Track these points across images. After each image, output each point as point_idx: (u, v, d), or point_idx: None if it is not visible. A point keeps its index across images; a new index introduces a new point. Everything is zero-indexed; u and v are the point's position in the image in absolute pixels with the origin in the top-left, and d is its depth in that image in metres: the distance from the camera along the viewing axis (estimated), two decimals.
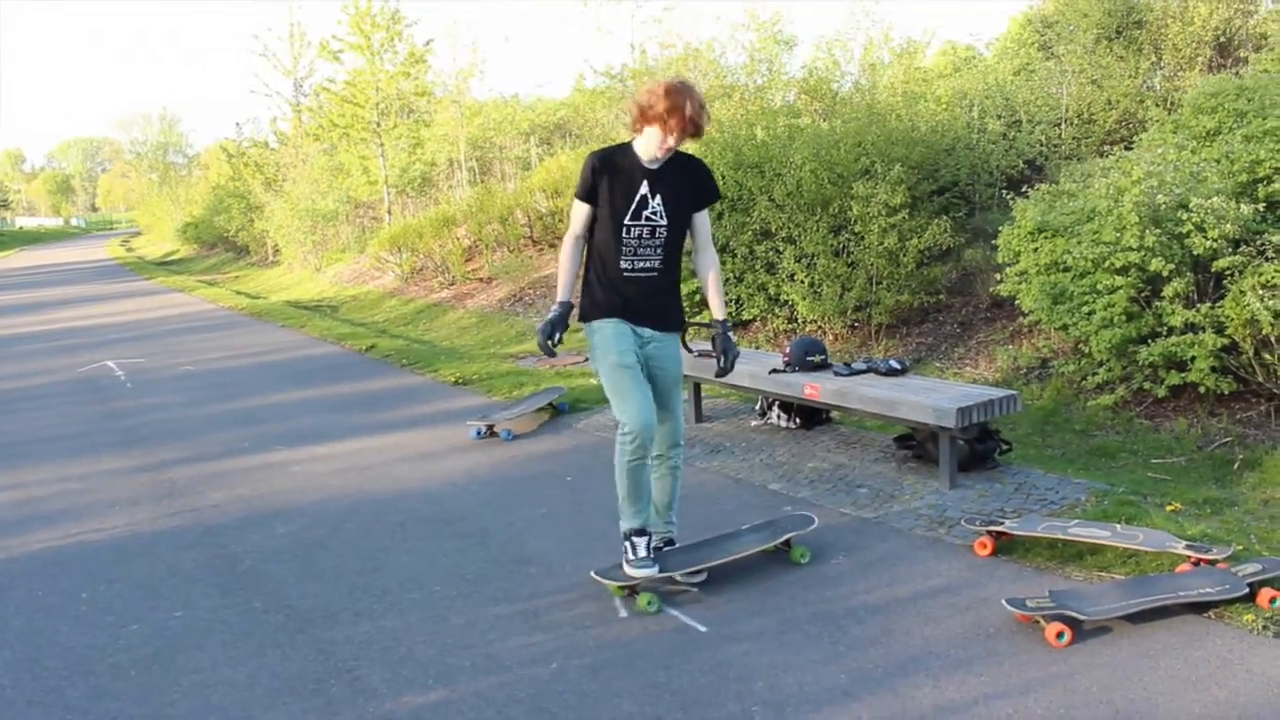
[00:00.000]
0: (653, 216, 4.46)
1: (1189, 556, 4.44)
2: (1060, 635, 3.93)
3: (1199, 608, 4.11)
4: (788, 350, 6.75)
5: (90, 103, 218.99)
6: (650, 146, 4.37)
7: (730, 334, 4.74)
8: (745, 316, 10.43)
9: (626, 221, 4.43)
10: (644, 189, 4.44)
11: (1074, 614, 3.97)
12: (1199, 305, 6.34)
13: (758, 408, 7.53)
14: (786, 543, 4.93)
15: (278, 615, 4.71)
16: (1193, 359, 6.30)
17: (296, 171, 27.49)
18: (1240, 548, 4.61)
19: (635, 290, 4.54)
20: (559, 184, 17.23)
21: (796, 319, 9.92)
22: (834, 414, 7.24)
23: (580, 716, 3.65)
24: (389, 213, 23.07)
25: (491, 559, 4.90)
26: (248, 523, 6.04)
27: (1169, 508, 5.25)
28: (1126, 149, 8.19)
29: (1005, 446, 6.17)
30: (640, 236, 4.46)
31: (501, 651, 4.16)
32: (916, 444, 6.27)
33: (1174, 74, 10.89)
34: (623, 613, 4.47)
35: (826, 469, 6.28)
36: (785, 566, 4.84)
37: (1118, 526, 4.81)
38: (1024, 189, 8.29)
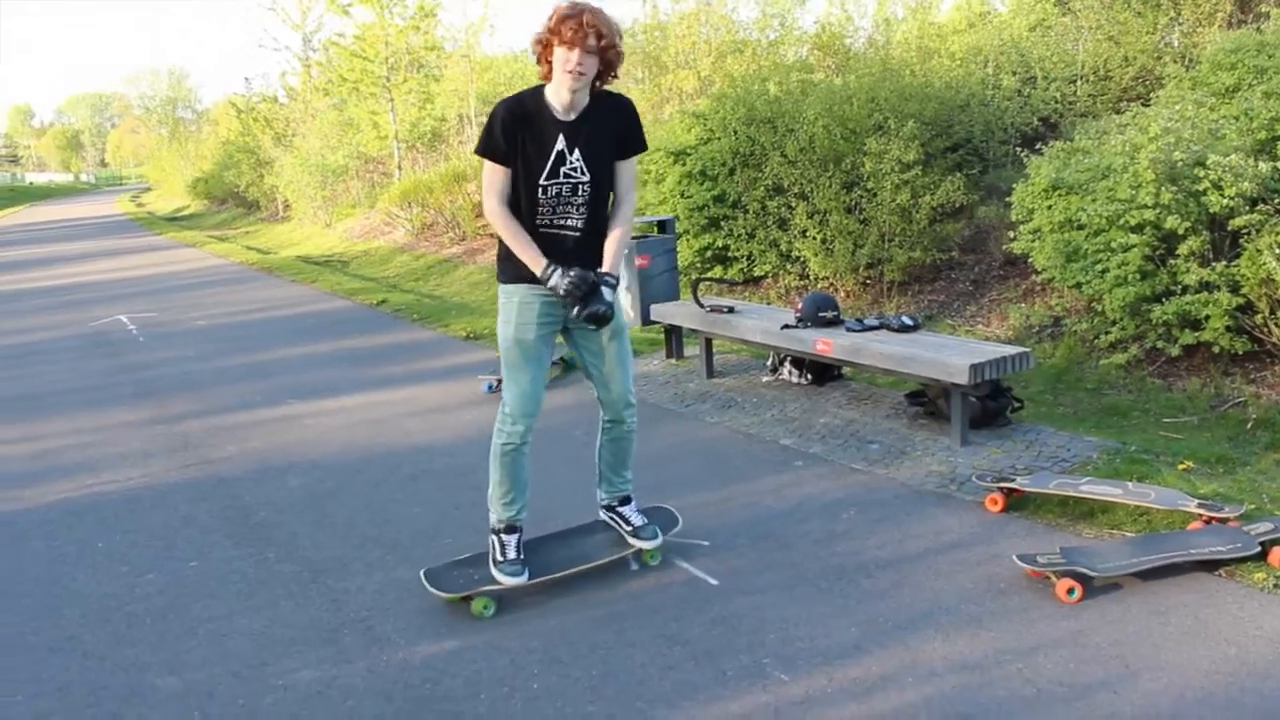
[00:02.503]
0: (571, 173, 3.97)
1: (1201, 515, 4.44)
2: (1071, 591, 3.94)
3: (1210, 566, 4.11)
4: (800, 306, 6.73)
5: (99, 58, 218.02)
6: (560, 88, 3.85)
7: (609, 290, 4.04)
8: (757, 273, 10.41)
9: (542, 181, 3.94)
10: (560, 144, 3.93)
11: (1085, 570, 3.97)
12: (1214, 264, 6.30)
13: (769, 363, 7.52)
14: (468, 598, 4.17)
15: (291, 566, 4.74)
16: (1207, 318, 6.27)
17: (306, 127, 27.42)
18: (1252, 507, 4.61)
19: (554, 251, 4.02)
20: None
21: (808, 275, 9.89)
22: (845, 370, 7.23)
23: (593, 666, 3.68)
24: (399, 168, 22.99)
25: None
26: (260, 475, 6.07)
27: (1181, 466, 5.25)
28: (1144, 106, 8.11)
29: (1017, 404, 6.16)
30: (559, 194, 3.99)
31: (513, 602, 4.19)
32: (928, 400, 6.27)
33: (1193, 30, 10.75)
34: (634, 565, 4.48)
35: (838, 425, 6.28)
36: (795, 521, 4.85)
37: (1129, 484, 4.80)
38: (1038, 146, 8.23)
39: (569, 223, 4.06)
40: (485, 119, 4.00)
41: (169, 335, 11.33)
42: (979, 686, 3.38)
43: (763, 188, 10.09)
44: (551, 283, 3.95)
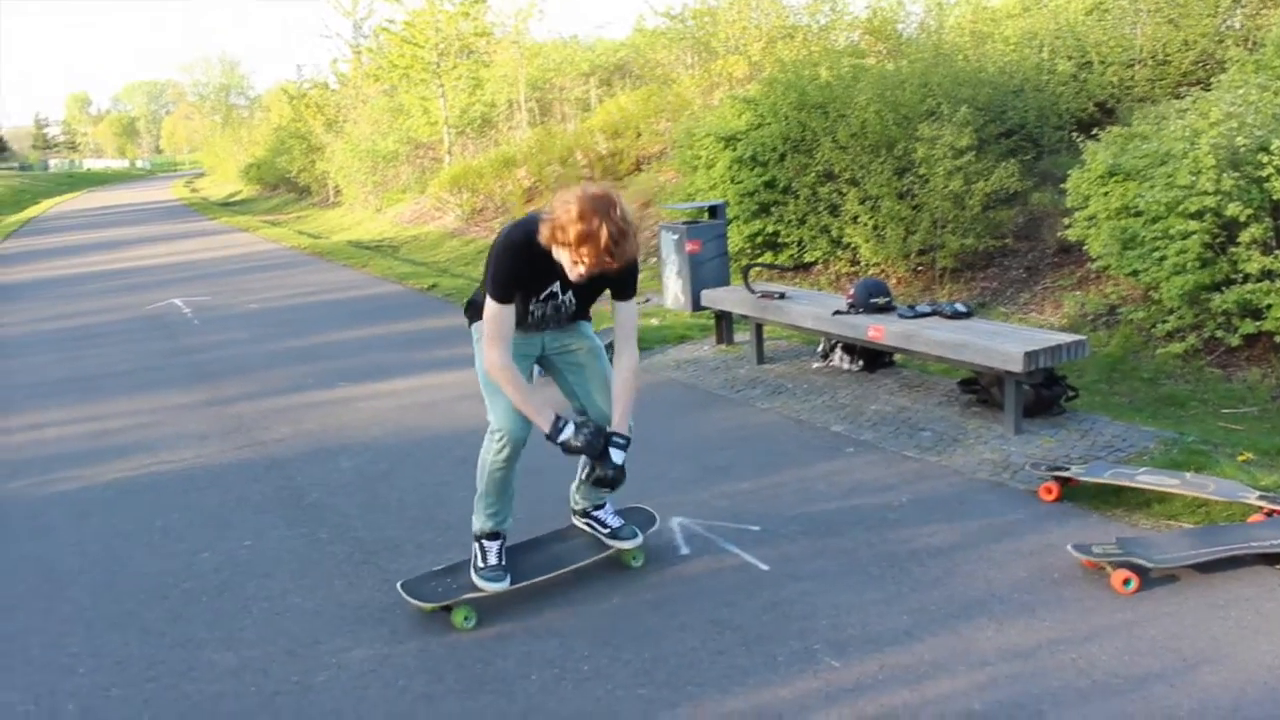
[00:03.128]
0: (561, 305, 3.93)
1: (1262, 507, 4.36)
2: (1127, 582, 3.89)
3: (1271, 559, 4.04)
4: (851, 292, 6.69)
5: (154, 46, 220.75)
6: (566, 266, 3.67)
7: (619, 452, 3.91)
8: (808, 259, 10.37)
9: (531, 307, 3.87)
10: (555, 286, 3.85)
11: (1141, 562, 3.92)
12: (1277, 251, 6.18)
13: (820, 349, 7.48)
14: (448, 608, 4.00)
15: (343, 546, 4.79)
16: (1269, 307, 6.15)
17: (357, 113, 27.61)
18: None
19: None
20: (618, 125, 17.17)
21: (859, 262, 9.83)
22: (897, 357, 7.17)
23: (643, 650, 3.68)
24: (449, 154, 23.09)
25: (551, 495, 4.90)
26: (313, 456, 6.13)
27: (1240, 458, 5.15)
28: (1204, 90, 7.97)
29: (1071, 393, 6.08)
30: (544, 314, 3.94)
31: (564, 585, 4.20)
32: (981, 388, 6.20)
33: (1256, 12, 10.53)
34: (684, 550, 4.49)
35: (889, 411, 6.23)
36: (847, 508, 4.83)
37: (1187, 475, 4.73)
38: (1094, 132, 8.11)
39: (550, 323, 4.03)
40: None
41: (223, 318, 11.47)
42: (1032, 676, 3.35)
43: (814, 173, 10.03)
44: (563, 437, 3.82)
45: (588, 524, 4.43)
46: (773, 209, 10.59)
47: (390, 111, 25.83)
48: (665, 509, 4.91)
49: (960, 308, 6.30)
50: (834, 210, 9.86)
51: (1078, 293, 8.09)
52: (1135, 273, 6.85)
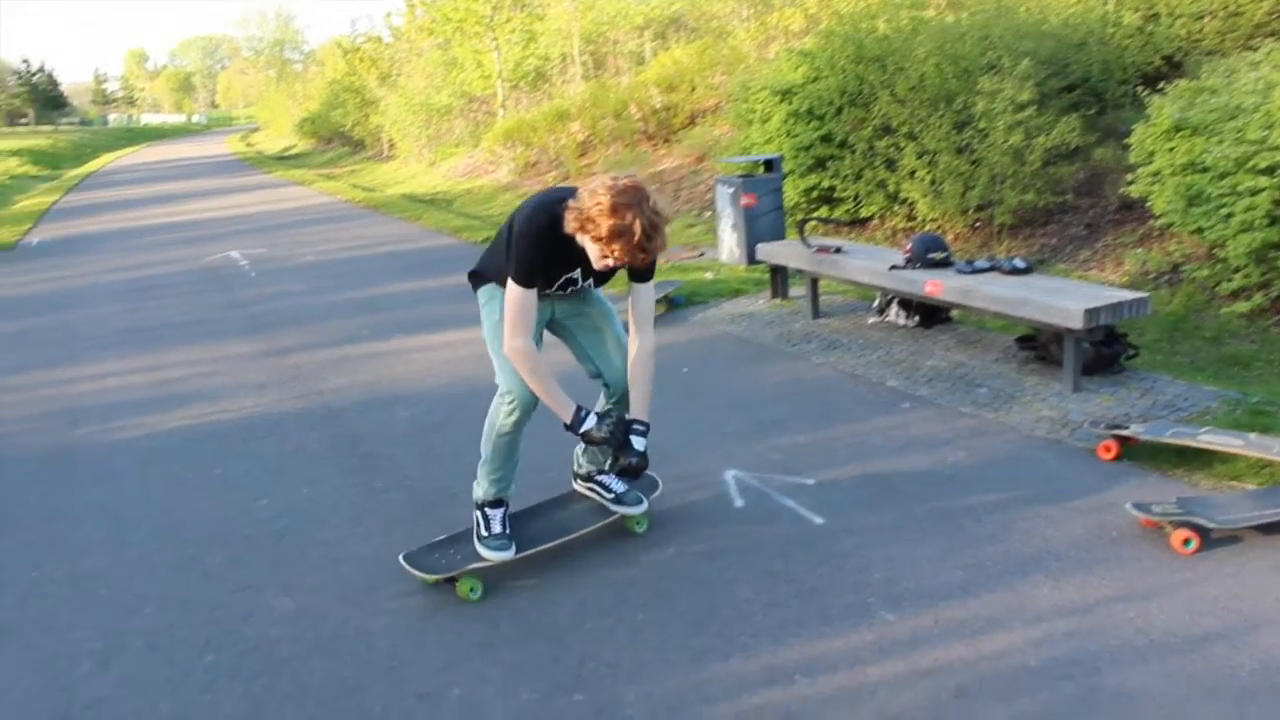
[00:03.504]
0: (580, 288, 3.91)
1: None
2: (1187, 542, 3.83)
3: None
4: (909, 246, 6.62)
5: (209, 1, 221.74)
6: (591, 255, 3.60)
7: (640, 439, 3.86)
8: (863, 214, 10.27)
9: (549, 289, 3.82)
10: (575, 272, 3.79)
11: (1202, 522, 3.86)
12: None
13: (875, 305, 7.42)
14: (452, 580, 3.90)
15: (399, 495, 4.84)
16: None
17: (411, 66, 27.62)
18: None
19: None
20: (673, 79, 17.04)
21: (916, 217, 9.72)
22: (953, 313, 7.10)
23: (697, 601, 3.70)
24: (502, 107, 23.06)
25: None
26: (369, 406, 6.19)
27: None
28: (1279, 42, 7.74)
29: (1132, 351, 5.99)
30: (562, 294, 3.92)
31: (616, 536, 4.22)
32: (1039, 345, 6.13)
33: None
34: (738, 502, 4.49)
35: (945, 367, 6.18)
36: (902, 463, 4.80)
37: (1251, 436, 4.64)
38: (1161, 86, 7.93)
39: (565, 298, 3.99)
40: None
41: (279, 270, 11.58)
42: (1089, 634, 3.32)
43: (870, 127, 9.91)
44: (585, 427, 3.77)
45: (591, 489, 4.33)
46: (828, 163, 10.48)
47: (444, 65, 25.81)
48: (719, 461, 4.93)
49: (1019, 263, 6.21)
50: (891, 165, 9.75)
51: (1139, 250, 7.95)
52: (1200, 230, 6.71)
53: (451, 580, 3.84)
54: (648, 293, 3.89)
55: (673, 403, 5.82)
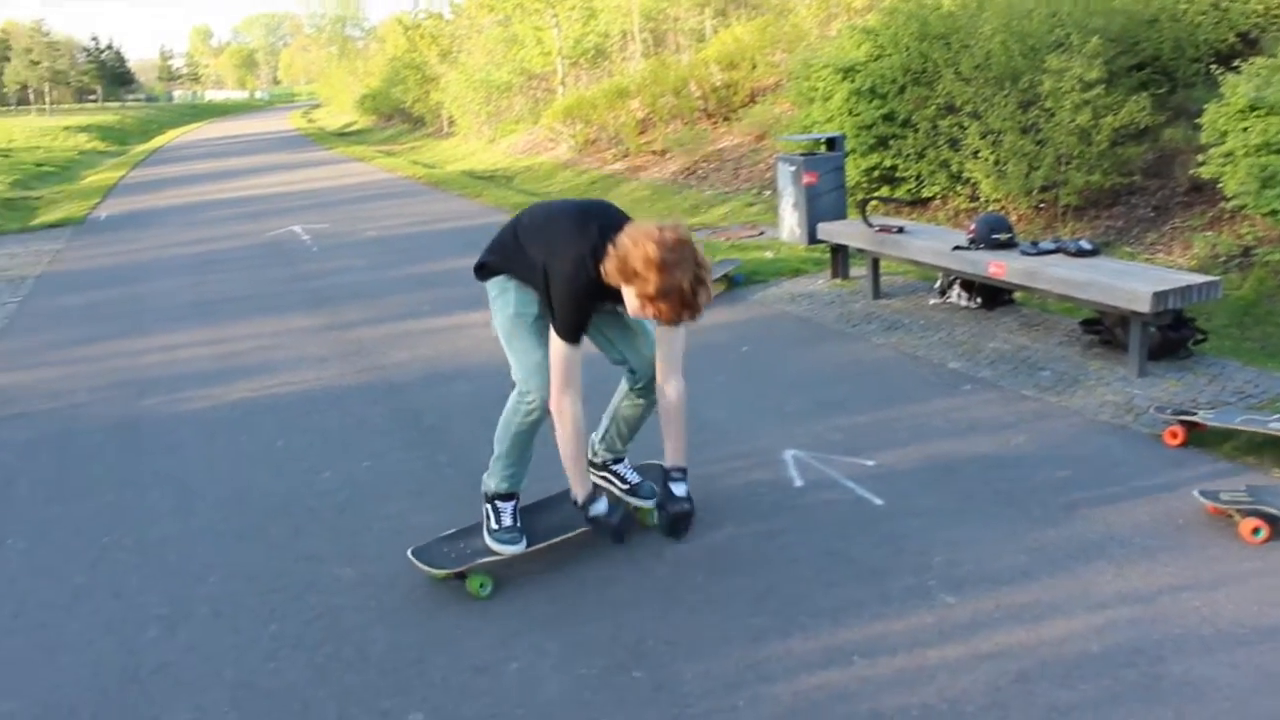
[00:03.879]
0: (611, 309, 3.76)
1: None
2: (1256, 531, 3.76)
3: None
4: (972, 227, 6.54)
5: None
6: (629, 304, 3.43)
7: (680, 485, 3.84)
8: (925, 194, 10.16)
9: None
10: (608, 306, 3.66)
11: (1273, 510, 3.78)
12: None
13: (937, 285, 7.35)
14: (462, 575, 3.77)
15: (461, 469, 4.87)
16: None
17: (471, 43, 27.69)
18: None
19: None
20: (733, 56, 16.93)
21: (978, 198, 9.60)
22: (1016, 295, 7.01)
23: (756, 580, 3.69)
24: (562, 84, 23.07)
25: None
26: (430, 381, 6.24)
27: None
28: None
29: (1200, 336, 5.88)
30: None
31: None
32: (1104, 329, 6.03)
33: None
34: (798, 482, 4.48)
35: (1008, 350, 6.11)
36: (963, 445, 4.76)
37: None
38: (1235, 64, 7.74)
39: None
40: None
41: (341, 246, 11.69)
42: (1153, 621, 3.28)
43: (934, 106, 9.79)
44: (595, 512, 3.72)
45: (605, 477, 4.23)
46: (891, 142, 10.38)
47: (504, 42, 25.84)
48: (779, 441, 4.91)
49: (1085, 245, 6.12)
50: (954, 144, 9.62)
51: (1209, 233, 7.79)
52: (1274, 212, 6.56)
53: (461, 576, 3.74)
54: (679, 335, 3.72)
55: (732, 382, 5.82)
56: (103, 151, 34.94)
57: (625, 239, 3.34)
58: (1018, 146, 8.86)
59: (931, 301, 7.27)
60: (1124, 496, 4.16)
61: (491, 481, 3.93)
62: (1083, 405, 5.19)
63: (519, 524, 3.89)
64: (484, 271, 3.88)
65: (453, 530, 4.03)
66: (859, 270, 7.98)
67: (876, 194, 10.38)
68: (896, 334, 6.61)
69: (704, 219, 12.13)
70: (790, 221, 8.71)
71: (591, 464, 4.21)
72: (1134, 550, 3.73)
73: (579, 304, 3.50)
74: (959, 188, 9.83)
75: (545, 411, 3.73)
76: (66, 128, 40.76)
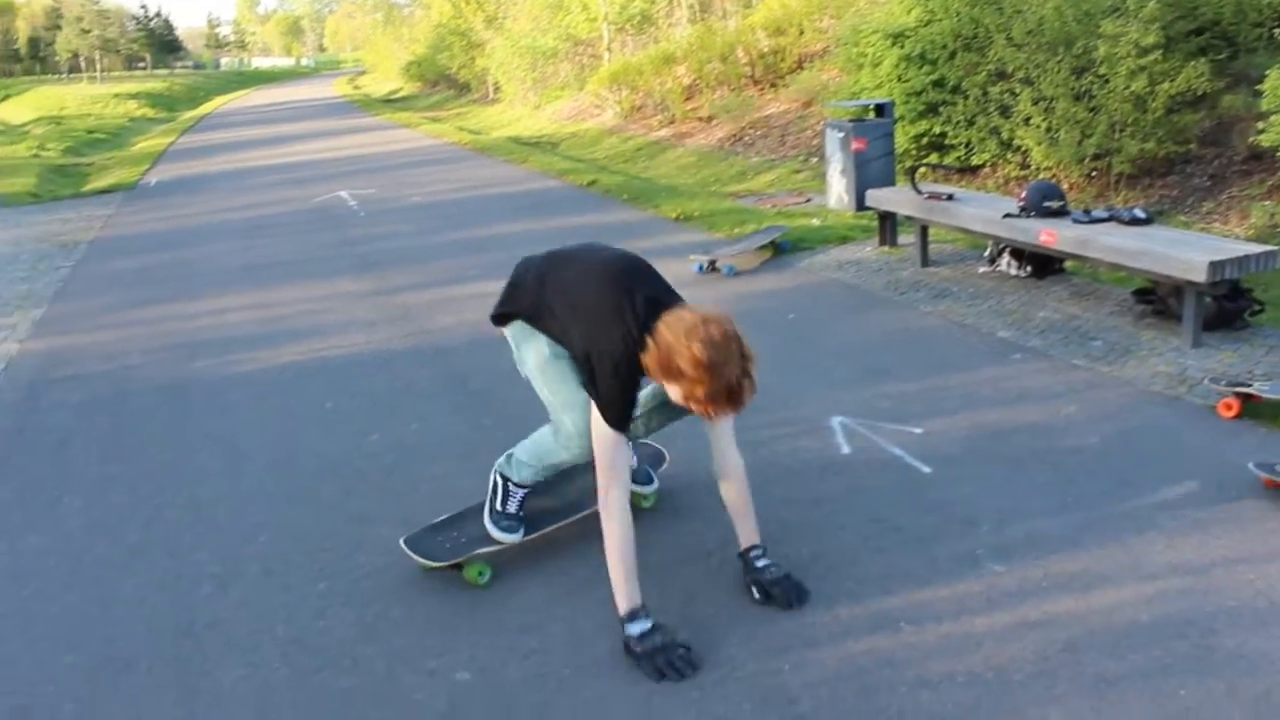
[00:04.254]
0: None
1: None
2: None
3: None
4: (1023, 194, 6.45)
5: None
6: (670, 393, 3.14)
7: (763, 559, 3.43)
8: (975, 162, 10.04)
9: None
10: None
11: None
12: None
13: (987, 254, 7.27)
14: (458, 566, 3.61)
15: (507, 433, 4.85)
16: None
17: (516, 9, 27.61)
18: None
19: None
20: (781, 22, 16.78)
21: (1029, 165, 9.47)
22: (1067, 264, 6.92)
23: (803, 544, 3.69)
24: (608, 50, 22.96)
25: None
26: (477, 345, 6.26)
27: None
28: None
29: (1257, 307, 5.77)
30: None
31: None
32: (1157, 299, 5.95)
33: None
34: (845, 449, 4.46)
35: (1058, 319, 6.04)
36: (1012, 414, 4.71)
37: None
38: None
39: None
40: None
41: (387, 211, 11.74)
42: (1204, 593, 3.24)
43: (985, 72, 9.66)
44: (635, 630, 3.12)
45: None
46: (940, 109, 10.26)
47: (550, 8, 25.74)
48: (826, 408, 4.89)
49: (1140, 213, 6.02)
50: (1005, 111, 9.49)
51: (1268, 202, 7.64)
52: None
53: (457, 566, 3.60)
54: (725, 422, 3.38)
55: (779, 348, 5.79)
56: (152, 118, 35.28)
57: (667, 334, 3.01)
58: (1070, 113, 8.73)
59: (981, 270, 7.19)
60: (1176, 468, 4.10)
61: (515, 471, 3.71)
62: (1135, 376, 5.12)
63: (523, 513, 3.72)
64: (501, 320, 3.66)
65: (444, 516, 3.86)
66: (907, 238, 7.91)
67: (926, 161, 10.27)
68: (945, 302, 6.55)
69: (750, 186, 12.06)
70: (838, 188, 8.65)
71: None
72: (1186, 522, 3.68)
73: (627, 388, 3.16)
74: (1009, 155, 9.70)
75: (586, 457, 3.43)
76: (116, 95, 41.17)
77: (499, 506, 3.70)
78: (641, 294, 3.17)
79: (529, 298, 3.50)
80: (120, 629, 3.48)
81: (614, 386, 3.14)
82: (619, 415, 3.16)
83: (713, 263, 7.64)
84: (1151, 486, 3.95)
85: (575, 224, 10.06)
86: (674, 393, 3.09)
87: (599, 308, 3.19)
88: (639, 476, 4.04)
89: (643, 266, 3.38)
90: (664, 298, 3.21)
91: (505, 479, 3.72)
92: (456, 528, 3.77)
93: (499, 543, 3.64)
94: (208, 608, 3.57)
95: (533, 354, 3.51)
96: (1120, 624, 3.10)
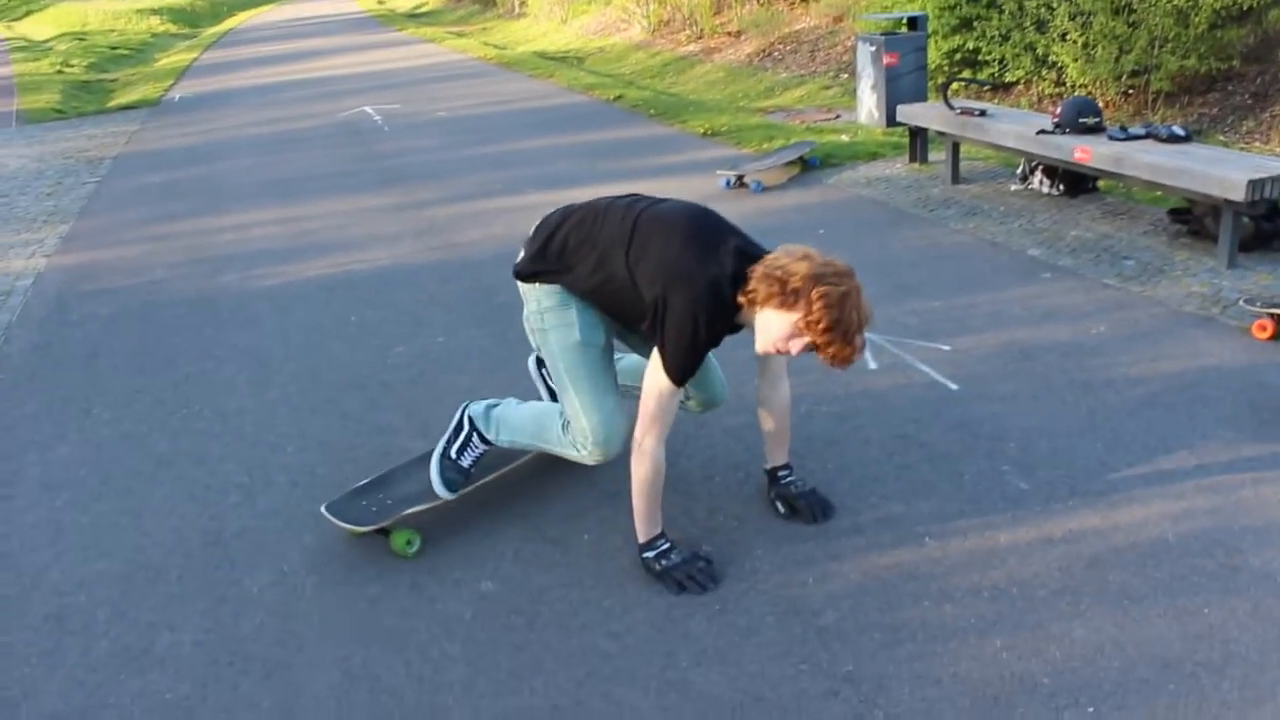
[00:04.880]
0: None
1: None
2: None
3: None
4: (1058, 111, 6.32)
5: None
6: (762, 341, 2.85)
7: (793, 479, 3.39)
8: (1009, 79, 9.83)
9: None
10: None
11: None
12: None
13: (1019, 171, 7.15)
14: (385, 531, 3.32)
15: (531, 347, 4.87)
16: None
17: None
18: None
19: None
20: None
21: (1064, 82, 9.27)
22: (1100, 182, 6.81)
23: (828, 458, 3.69)
24: None
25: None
26: (502, 259, 6.22)
27: None
28: None
29: None
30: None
31: (748, 393, 4.20)
32: (1193, 218, 5.84)
33: None
34: (872, 365, 4.43)
35: (1090, 238, 5.95)
36: (1041, 333, 4.66)
37: None
38: None
39: None
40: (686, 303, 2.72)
41: (412, 126, 11.65)
42: (1232, 513, 3.21)
43: None
44: (657, 550, 3.06)
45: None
46: (975, 23, 10.03)
47: None
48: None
49: (1178, 130, 5.89)
50: (1041, 26, 9.27)
51: None
52: None
53: (384, 532, 3.32)
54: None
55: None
56: (175, 34, 34.95)
57: (781, 257, 2.82)
58: (1109, 28, 8.51)
59: (1012, 187, 7.08)
60: (1208, 389, 4.05)
61: (493, 430, 3.43)
62: (1167, 296, 5.05)
63: (474, 469, 3.44)
64: (528, 278, 3.21)
65: (366, 480, 3.57)
66: (938, 155, 7.79)
67: (959, 76, 10.08)
68: (975, 220, 6.46)
69: (779, 101, 11.89)
70: (868, 103, 8.51)
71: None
72: (1216, 442, 3.65)
73: (705, 341, 2.84)
74: (1044, 72, 9.50)
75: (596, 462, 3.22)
76: (139, 10, 40.79)
77: (453, 454, 3.40)
78: (731, 240, 2.90)
79: (556, 254, 3.12)
80: (150, 538, 3.52)
81: (692, 330, 2.78)
82: (691, 366, 2.84)
83: (740, 178, 7.56)
84: (1182, 406, 3.91)
85: (601, 139, 9.96)
86: (775, 323, 2.77)
87: (684, 252, 2.84)
88: None
89: (720, 217, 3.05)
90: (751, 247, 2.94)
91: (474, 429, 3.43)
92: (381, 490, 3.48)
93: (435, 497, 3.34)
94: (235, 517, 3.61)
95: (560, 335, 3.14)
96: (1146, 542, 3.09)
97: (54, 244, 7.51)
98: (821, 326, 2.70)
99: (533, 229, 3.24)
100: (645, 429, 2.94)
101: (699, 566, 3.04)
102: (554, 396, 3.70)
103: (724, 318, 2.84)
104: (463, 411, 3.48)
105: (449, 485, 3.35)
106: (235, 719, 2.64)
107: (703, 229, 2.91)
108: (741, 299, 2.81)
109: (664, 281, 2.80)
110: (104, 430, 4.38)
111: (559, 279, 3.11)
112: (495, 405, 3.48)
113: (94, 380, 4.93)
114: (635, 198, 3.12)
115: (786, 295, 2.73)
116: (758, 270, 2.79)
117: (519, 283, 3.23)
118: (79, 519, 3.68)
